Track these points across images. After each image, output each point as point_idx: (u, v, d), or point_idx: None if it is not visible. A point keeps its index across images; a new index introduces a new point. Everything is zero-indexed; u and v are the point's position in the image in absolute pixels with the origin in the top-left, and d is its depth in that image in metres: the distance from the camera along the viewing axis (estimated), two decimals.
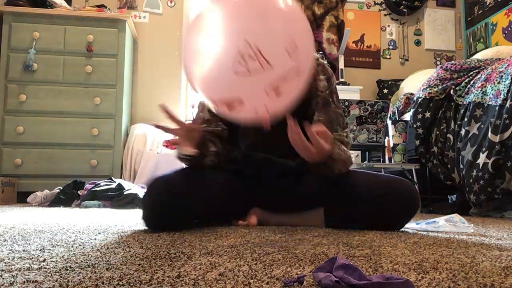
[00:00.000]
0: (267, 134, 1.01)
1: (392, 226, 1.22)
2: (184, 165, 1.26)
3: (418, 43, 4.13)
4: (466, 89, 2.32)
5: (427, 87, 2.54)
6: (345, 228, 1.24)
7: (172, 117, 1.03)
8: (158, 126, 1.04)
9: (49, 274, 0.53)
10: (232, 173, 1.28)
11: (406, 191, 1.18)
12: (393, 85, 3.83)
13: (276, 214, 1.30)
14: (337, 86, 1.36)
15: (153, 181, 1.12)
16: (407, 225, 1.32)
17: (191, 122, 1.19)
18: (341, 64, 3.72)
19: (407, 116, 2.74)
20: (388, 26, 4.11)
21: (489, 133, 2.00)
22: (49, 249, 0.74)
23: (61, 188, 2.61)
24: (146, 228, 1.12)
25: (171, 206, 1.07)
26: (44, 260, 0.63)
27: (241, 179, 1.28)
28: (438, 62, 4.07)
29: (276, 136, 1.09)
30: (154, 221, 1.10)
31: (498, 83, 2.06)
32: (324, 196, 1.25)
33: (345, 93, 3.36)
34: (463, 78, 2.40)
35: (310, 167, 1.14)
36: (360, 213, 1.20)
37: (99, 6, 3.27)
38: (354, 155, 3.32)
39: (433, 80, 2.54)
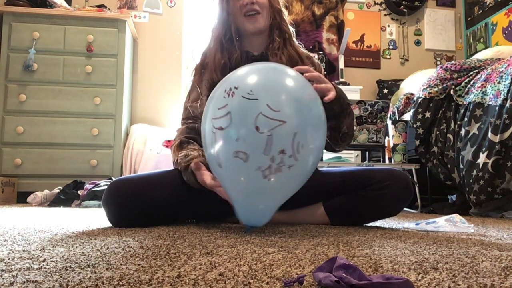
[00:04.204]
0: None
1: (392, 211, 1.31)
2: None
3: (418, 43, 4.13)
4: (466, 89, 2.32)
5: (427, 87, 2.54)
6: (347, 221, 1.29)
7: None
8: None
9: (49, 274, 0.53)
10: None
11: (402, 175, 1.27)
12: (393, 85, 3.83)
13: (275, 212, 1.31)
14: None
15: (111, 183, 1.21)
16: (407, 225, 1.32)
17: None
18: (341, 64, 3.72)
19: (407, 116, 2.74)
20: (388, 26, 4.11)
21: (489, 133, 2.00)
22: (49, 249, 0.74)
23: (61, 188, 2.61)
24: (146, 227, 1.12)
25: (120, 206, 1.15)
26: (44, 260, 0.63)
27: None
28: (438, 62, 4.07)
29: None
30: (111, 218, 1.18)
31: (498, 83, 2.06)
32: (324, 189, 1.26)
33: (345, 93, 3.35)
34: (463, 78, 2.40)
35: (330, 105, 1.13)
36: (361, 199, 1.24)
37: (99, 6, 3.27)
38: (354, 155, 3.32)
39: (433, 80, 2.54)
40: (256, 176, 0.91)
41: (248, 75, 0.99)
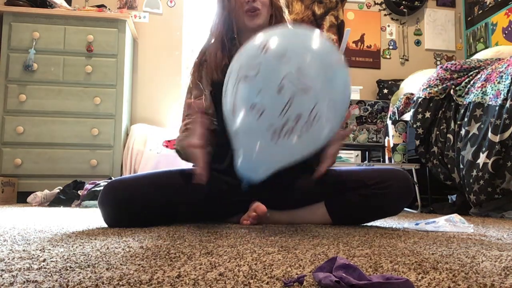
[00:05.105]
0: None
1: (393, 211, 1.33)
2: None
3: (418, 43, 4.13)
4: (466, 89, 2.31)
5: (427, 87, 2.54)
6: (348, 220, 1.29)
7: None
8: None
9: (49, 274, 0.53)
10: (220, 172, 1.26)
11: (403, 175, 1.29)
12: (393, 85, 3.83)
13: (276, 212, 1.30)
14: None
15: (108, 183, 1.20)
16: (407, 225, 1.32)
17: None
18: None
19: (407, 116, 2.74)
20: (388, 26, 4.11)
21: (489, 133, 2.00)
22: (49, 249, 0.74)
23: (61, 188, 2.61)
24: (145, 228, 1.12)
25: (116, 206, 1.15)
26: (44, 260, 0.63)
27: (230, 177, 1.21)
28: (438, 62, 4.07)
29: None
30: (107, 219, 1.18)
31: (498, 83, 2.06)
32: (325, 188, 1.26)
33: None
34: (463, 78, 2.40)
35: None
36: (362, 199, 1.24)
37: (99, 6, 3.27)
38: (354, 155, 3.32)
39: (433, 80, 2.54)
40: (265, 134, 0.90)
41: (282, 37, 0.99)
